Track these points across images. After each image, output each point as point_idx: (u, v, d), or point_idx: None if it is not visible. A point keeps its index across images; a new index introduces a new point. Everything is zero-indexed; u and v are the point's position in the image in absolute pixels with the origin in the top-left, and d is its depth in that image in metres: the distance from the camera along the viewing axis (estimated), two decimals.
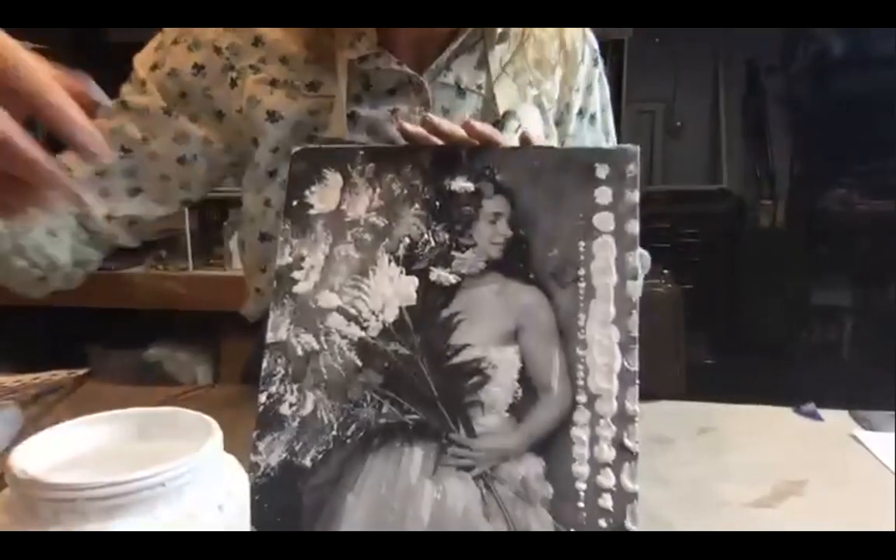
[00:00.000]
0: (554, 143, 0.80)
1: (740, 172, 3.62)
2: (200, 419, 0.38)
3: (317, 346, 0.55)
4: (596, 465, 0.49)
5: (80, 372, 0.92)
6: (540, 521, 0.48)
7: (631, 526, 0.47)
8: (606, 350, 0.51)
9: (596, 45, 0.84)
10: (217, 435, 0.36)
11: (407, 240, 0.56)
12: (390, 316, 0.55)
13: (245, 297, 0.87)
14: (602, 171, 0.54)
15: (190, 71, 0.75)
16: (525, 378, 0.52)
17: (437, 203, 0.57)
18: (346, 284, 0.56)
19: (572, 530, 0.48)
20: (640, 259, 0.86)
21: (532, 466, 0.50)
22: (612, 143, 0.88)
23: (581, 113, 0.83)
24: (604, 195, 0.53)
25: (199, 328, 2.24)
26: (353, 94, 0.72)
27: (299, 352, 0.55)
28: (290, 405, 0.54)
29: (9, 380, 0.89)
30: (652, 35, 3.36)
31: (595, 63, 0.83)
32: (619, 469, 0.48)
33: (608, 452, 0.49)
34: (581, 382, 0.51)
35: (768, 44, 3.39)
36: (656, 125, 3.68)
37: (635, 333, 0.51)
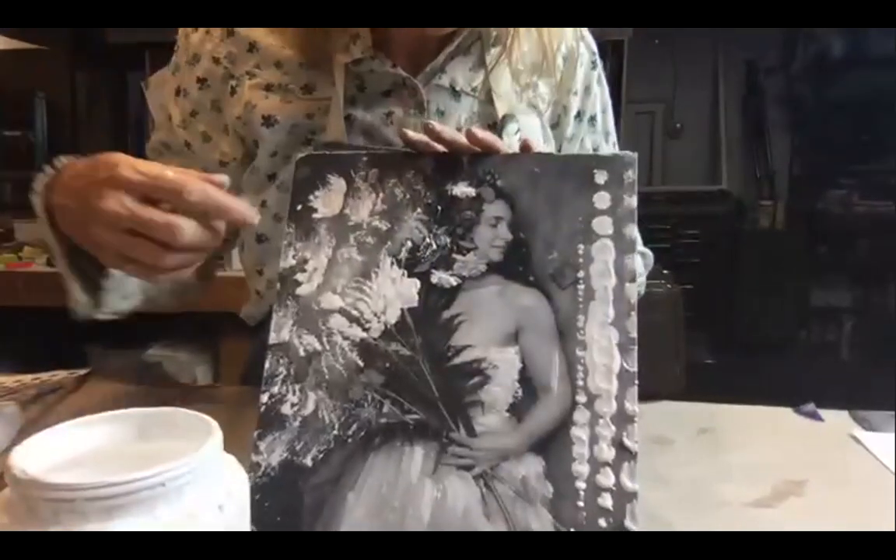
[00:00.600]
0: (550, 145, 0.80)
1: (740, 173, 3.62)
2: (200, 419, 0.38)
3: (319, 347, 0.55)
4: (596, 465, 0.49)
5: (80, 372, 0.92)
6: (540, 520, 0.48)
7: (631, 525, 0.47)
8: (605, 351, 0.51)
9: (594, 48, 0.84)
10: (217, 435, 0.36)
11: (409, 243, 0.57)
12: (392, 317, 0.55)
13: (245, 299, 0.87)
14: (601, 177, 0.55)
15: (196, 86, 0.76)
16: (525, 378, 0.52)
17: (439, 207, 0.57)
18: (349, 286, 0.57)
19: (572, 530, 0.48)
20: (644, 257, 0.86)
21: (532, 466, 0.50)
22: (612, 144, 0.88)
23: (579, 115, 0.83)
24: (602, 200, 0.54)
25: (199, 328, 2.24)
26: (349, 96, 0.72)
27: (301, 352, 0.55)
28: (292, 405, 0.54)
29: (9, 380, 0.89)
30: (652, 35, 3.37)
31: (593, 65, 0.83)
32: (618, 468, 0.49)
33: (608, 452, 0.49)
34: (581, 383, 0.51)
35: (768, 44, 3.40)
36: (656, 126, 3.68)
37: (634, 334, 0.51)
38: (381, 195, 0.58)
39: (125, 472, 0.32)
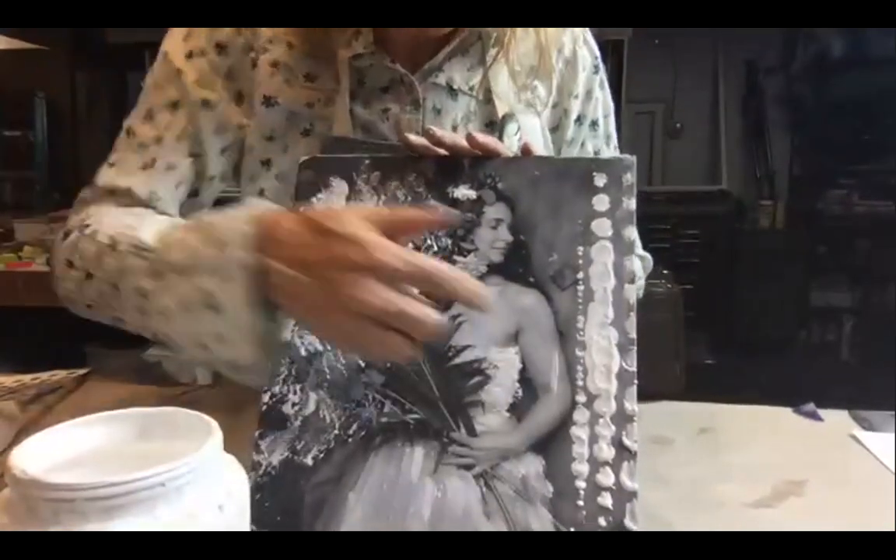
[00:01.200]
0: (549, 147, 0.80)
1: (740, 173, 3.62)
2: (200, 419, 0.38)
3: (320, 347, 0.55)
4: (595, 464, 0.49)
5: (80, 372, 0.92)
6: (540, 519, 0.49)
7: (630, 524, 0.47)
8: (605, 351, 0.51)
9: (597, 52, 0.84)
10: (217, 435, 0.36)
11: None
12: None
13: None
14: (600, 180, 0.55)
15: (214, 51, 0.74)
16: (525, 378, 0.52)
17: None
18: None
19: (572, 529, 0.48)
20: (643, 261, 0.86)
21: (532, 465, 0.50)
22: (613, 148, 0.88)
23: (580, 119, 0.83)
24: (601, 202, 0.54)
25: None
26: (349, 90, 0.72)
27: (303, 352, 0.55)
28: (293, 405, 0.54)
29: (9, 380, 0.89)
30: (652, 35, 3.37)
31: (595, 70, 0.83)
32: (618, 468, 0.49)
33: (607, 451, 0.49)
34: (580, 382, 0.51)
35: (768, 44, 3.40)
36: (656, 126, 3.68)
37: (633, 334, 0.51)
38: (382, 197, 0.58)
39: (125, 472, 0.32)
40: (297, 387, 0.55)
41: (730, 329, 3.25)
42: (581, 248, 0.54)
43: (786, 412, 0.85)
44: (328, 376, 0.55)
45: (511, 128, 0.74)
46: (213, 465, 0.35)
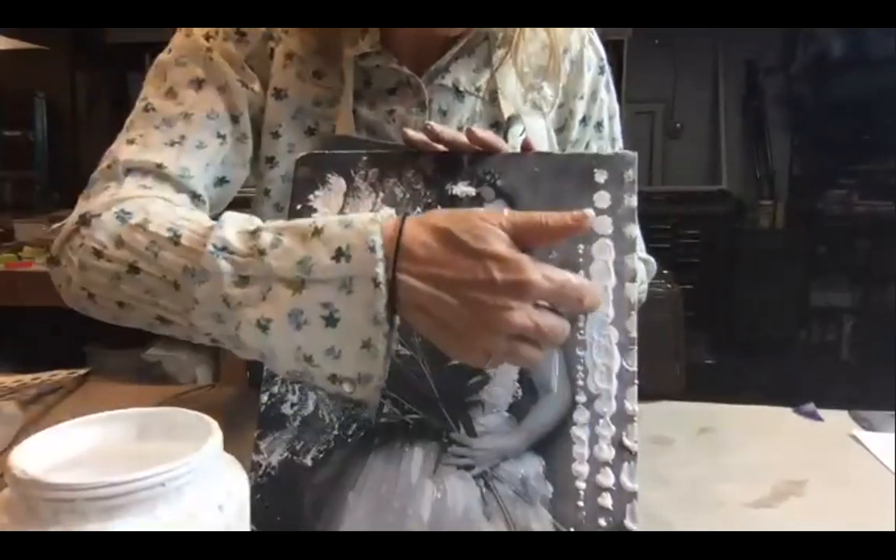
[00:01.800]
0: (554, 148, 0.80)
1: (740, 173, 3.62)
2: (200, 419, 0.38)
3: None
4: (595, 464, 0.49)
5: (80, 372, 0.92)
6: (540, 519, 0.49)
7: (630, 525, 0.47)
8: (605, 350, 0.51)
9: (603, 53, 0.84)
10: (217, 435, 0.36)
11: None
12: None
13: None
14: (601, 176, 0.54)
15: (234, 36, 0.72)
16: (525, 378, 0.52)
17: (439, 207, 0.57)
18: None
19: (572, 530, 0.48)
20: (647, 265, 0.86)
21: (532, 465, 0.50)
22: (618, 150, 0.88)
23: (585, 120, 0.83)
24: (602, 199, 0.54)
25: None
26: (355, 90, 0.72)
27: None
28: (292, 405, 0.54)
29: (9, 380, 0.89)
30: (652, 35, 3.37)
31: (601, 71, 0.83)
32: (618, 468, 0.49)
33: (608, 451, 0.49)
34: (580, 382, 0.51)
35: (768, 44, 3.40)
36: (656, 125, 3.69)
37: (634, 334, 0.51)
38: (380, 195, 0.58)
39: (125, 472, 0.32)
40: (296, 387, 0.55)
41: (730, 329, 3.25)
42: (581, 246, 0.53)
43: (786, 412, 0.85)
44: None
45: (516, 129, 0.74)
46: (213, 465, 0.35)
